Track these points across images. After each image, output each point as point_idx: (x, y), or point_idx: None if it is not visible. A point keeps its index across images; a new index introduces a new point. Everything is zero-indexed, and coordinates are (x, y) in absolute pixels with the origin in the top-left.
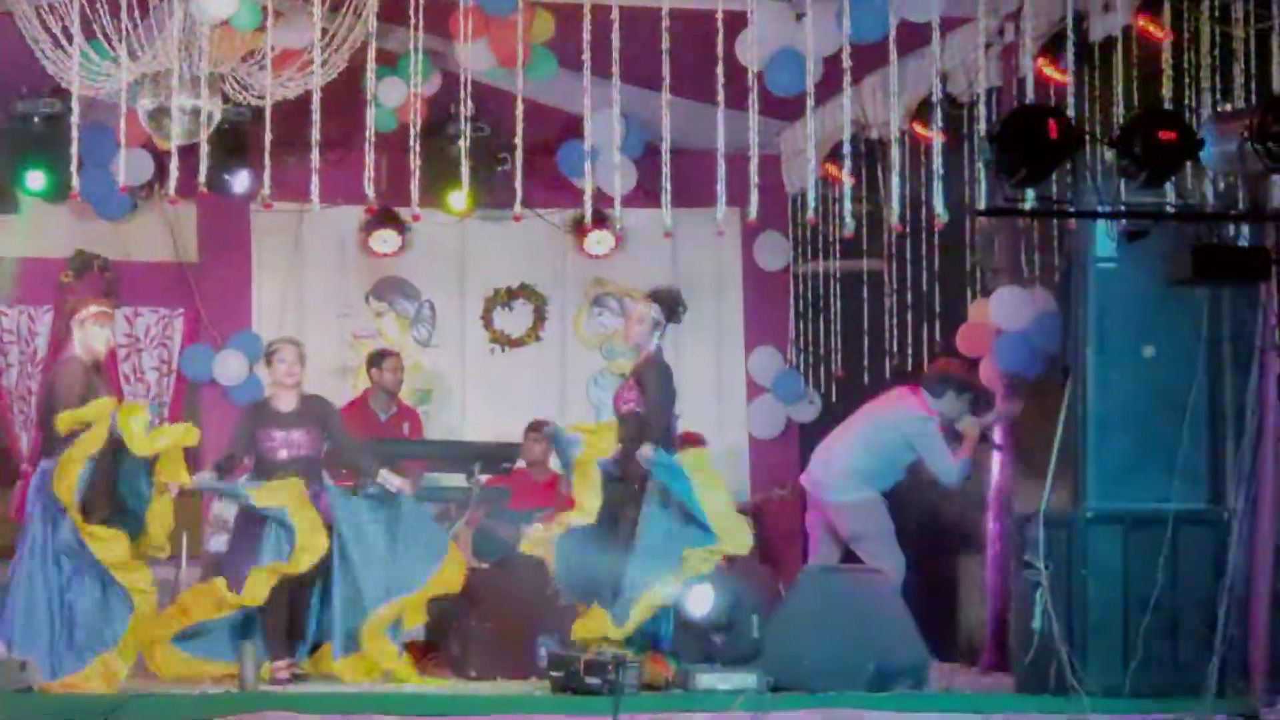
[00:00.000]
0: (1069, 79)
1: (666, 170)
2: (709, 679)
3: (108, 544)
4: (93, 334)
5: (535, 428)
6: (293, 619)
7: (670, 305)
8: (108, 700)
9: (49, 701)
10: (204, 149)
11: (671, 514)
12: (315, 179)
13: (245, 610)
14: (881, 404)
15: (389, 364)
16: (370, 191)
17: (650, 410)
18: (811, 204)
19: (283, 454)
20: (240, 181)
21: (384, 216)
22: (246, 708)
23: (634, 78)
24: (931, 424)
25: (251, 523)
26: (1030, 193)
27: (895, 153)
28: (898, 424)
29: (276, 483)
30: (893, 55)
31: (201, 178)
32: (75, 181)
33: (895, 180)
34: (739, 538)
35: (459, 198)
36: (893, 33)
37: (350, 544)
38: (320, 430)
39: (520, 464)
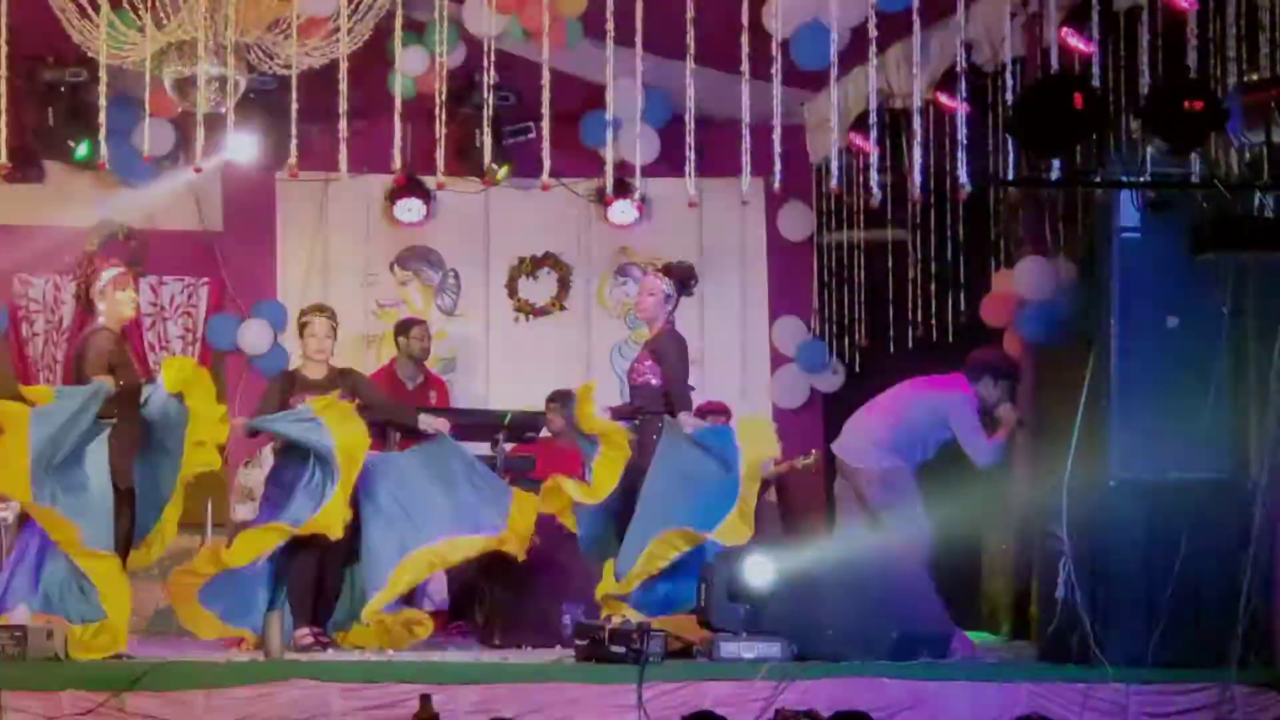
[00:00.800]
0: (1094, 48)
1: (691, 140)
2: (732, 648)
3: (61, 531)
4: (118, 300)
5: (555, 398)
6: (321, 587)
7: (682, 279)
8: (134, 667)
9: (76, 669)
10: (230, 118)
11: (674, 483)
12: (343, 148)
13: (275, 577)
14: (921, 381)
15: (416, 332)
16: (397, 161)
17: (667, 382)
18: (835, 174)
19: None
20: (265, 150)
21: (409, 185)
22: (272, 676)
23: (658, 47)
24: (969, 404)
25: (280, 488)
26: (1055, 163)
27: (919, 123)
28: (935, 401)
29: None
30: (916, 25)
31: (227, 147)
32: (103, 151)
33: (918, 151)
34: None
35: (483, 166)
36: (916, 2)
37: (386, 508)
38: (352, 397)
39: (545, 433)
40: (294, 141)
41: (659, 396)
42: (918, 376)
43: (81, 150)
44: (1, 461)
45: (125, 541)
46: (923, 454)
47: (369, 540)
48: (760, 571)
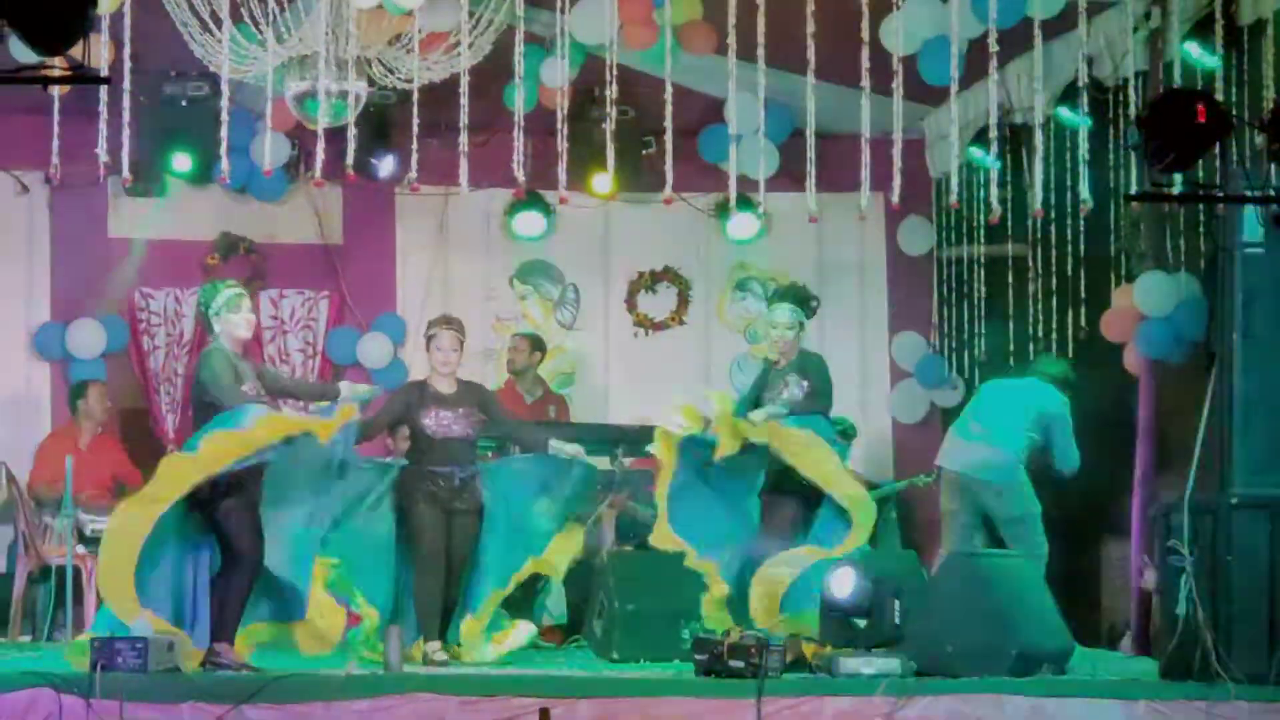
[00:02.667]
0: (1217, 62)
1: (811, 155)
2: (852, 663)
3: None
4: (232, 322)
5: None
6: (446, 601)
7: (805, 302)
8: (254, 680)
9: (196, 681)
10: (351, 132)
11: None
12: (463, 162)
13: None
14: (1015, 386)
15: (509, 343)
16: (519, 175)
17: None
18: (955, 189)
19: (441, 432)
20: (386, 164)
21: (530, 200)
22: (390, 689)
23: (778, 61)
24: (1068, 408)
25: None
26: (1178, 177)
27: (1040, 137)
28: (1036, 404)
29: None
30: (1038, 39)
31: (349, 160)
32: (224, 165)
33: (1040, 165)
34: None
35: (604, 181)
36: (1038, 17)
37: (501, 520)
38: (479, 412)
39: None
40: (415, 156)
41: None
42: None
43: (202, 164)
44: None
45: None
46: (1021, 460)
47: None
48: (843, 583)
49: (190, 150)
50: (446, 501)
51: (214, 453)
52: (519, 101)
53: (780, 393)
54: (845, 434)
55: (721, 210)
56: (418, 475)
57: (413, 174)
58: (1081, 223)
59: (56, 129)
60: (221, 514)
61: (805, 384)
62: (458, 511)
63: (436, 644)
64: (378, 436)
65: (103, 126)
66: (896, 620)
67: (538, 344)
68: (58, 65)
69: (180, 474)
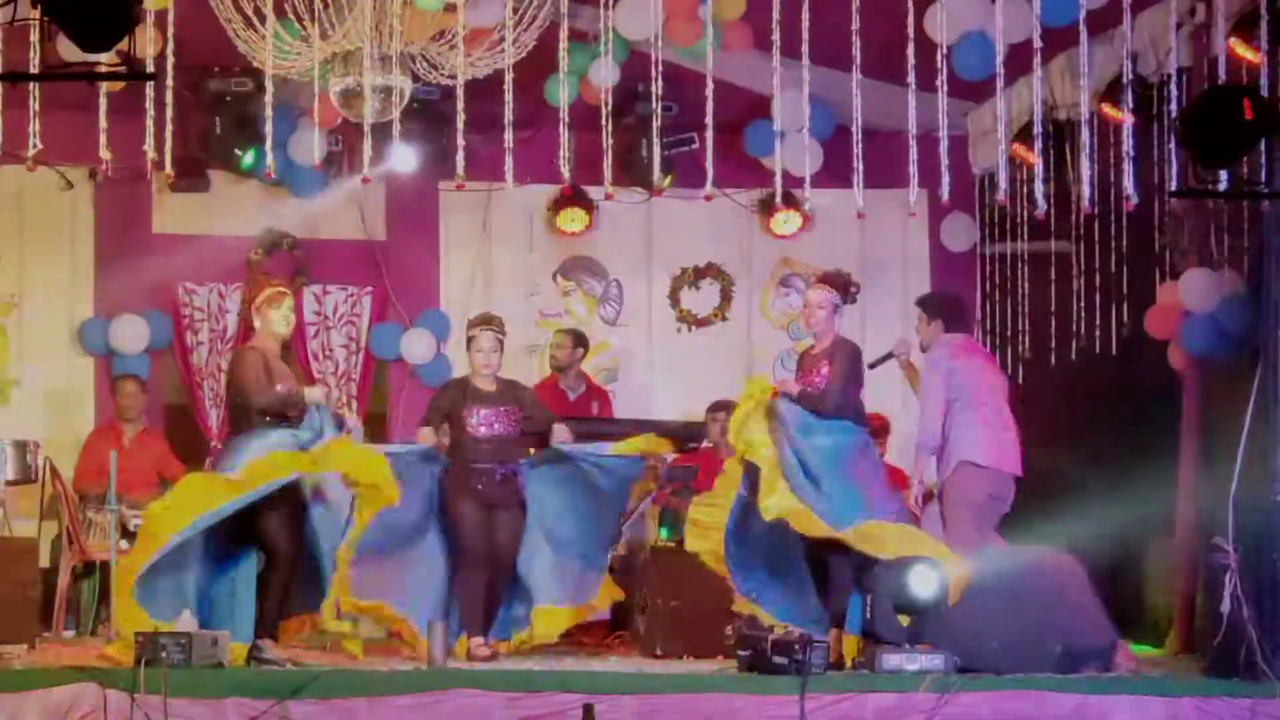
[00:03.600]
0: (1262, 58)
1: (858, 151)
2: (895, 660)
3: None
4: (271, 319)
5: (716, 408)
6: (490, 597)
7: (844, 287)
8: (298, 675)
9: (240, 676)
10: (397, 128)
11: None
12: (509, 158)
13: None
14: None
15: (553, 340)
16: (565, 171)
17: (842, 389)
18: (1002, 186)
19: (483, 430)
20: (429, 160)
21: (573, 196)
22: (435, 685)
23: (821, 58)
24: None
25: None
26: (1222, 173)
27: (1085, 134)
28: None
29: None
30: (1083, 36)
31: (393, 157)
32: (269, 161)
33: (1085, 162)
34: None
35: (647, 176)
36: (1083, 13)
37: (544, 516)
38: (519, 410)
39: (706, 443)
40: (461, 152)
41: (849, 406)
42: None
43: (248, 159)
44: None
45: None
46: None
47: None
48: (926, 582)
49: (233, 146)
50: (488, 499)
51: (198, 497)
52: (563, 98)
53: (812, 378)
54: (876, 432)
55: (765, 206)
56: (460, 473)
57: (460, 171)
58: (1125, 219)
59: (104, 124)
60: (260, 514)
61: (827, 370)
62: (500, 508)
63: (480, 639)
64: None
65: (149, 123)
66: (941, 616)
67: (580, 340)
68: (104, 62)
69: (169, 520)
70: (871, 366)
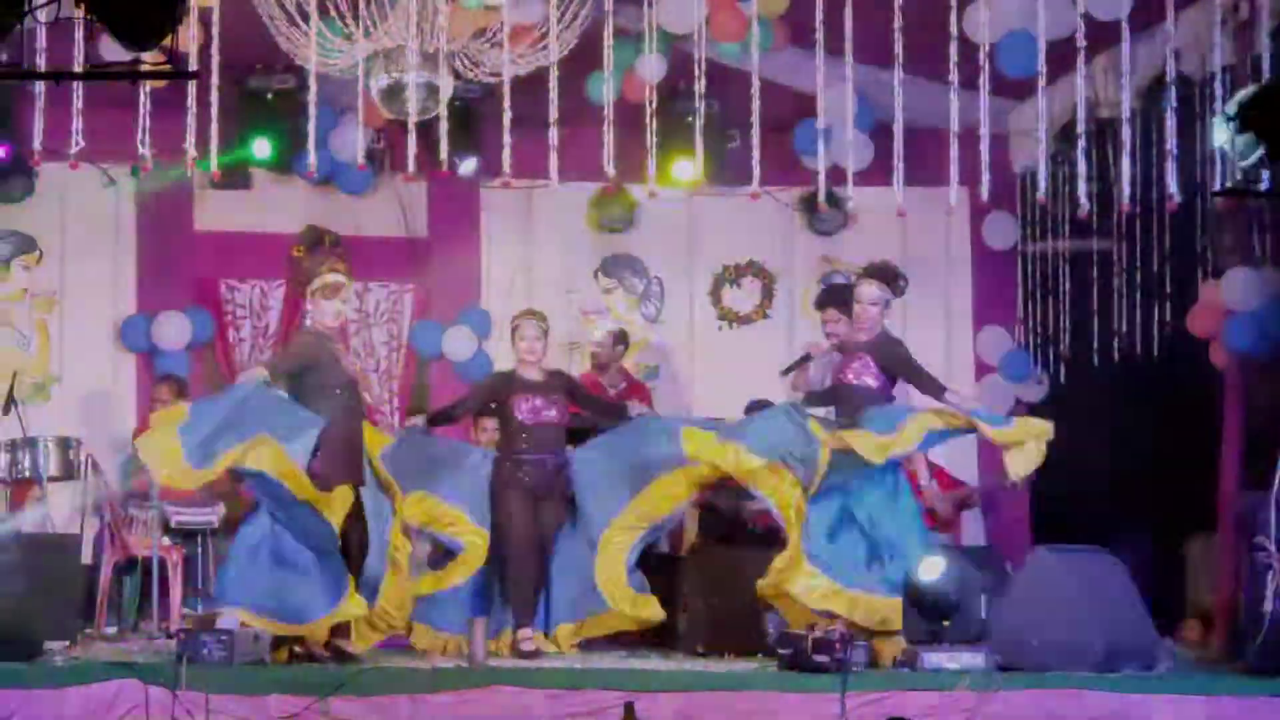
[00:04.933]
0: None
1: (899, 149)
2: (936, 658)
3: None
4: (322, 308)
5: (754, 408)
6: (534, 590)
7: (893, 280)
8: (339, 673)
9: (282, 673)
10: (442, 126)
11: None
12: (554, 156)
13: (481, 583)
14: None
15: (596, 338)
16: (610, 169)
17: (912, 374)
18: (1043, 184)
19: (530, 418)
20: (470, 158)
21: (616, 193)
22: (476, 682)
23: (862, 55)
24: None
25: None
26: (1264, 172)
27: (1126, 132)
28: None
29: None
30: (1125, 33)
31: (443, 155)
32: (311, 159)
33: (1127, 161)
34: None
35: (687, 168)
36: (1126, 10)
37: (590, 502)
38: (566, 398)
39: None
40: (506, 150)
41: (877, 398)
42: None
43: (265, 152)
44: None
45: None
46: None
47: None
48: (931, 569)
49: (275, 143)
50: (536, 489)
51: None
52: (608, 95)
53: (847, 373)
54: None
55: (806, 204)
56: (507, 464)
57: (506, 169)
58: (1167, 218)
59: (147, 122)
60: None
61: (873, 367)
62: (547, 499)
63: (528, 630)
64: (462, 422)
65: (191, 121)
66: (982, 615)
67: (621, 337)
68: (147, 60)
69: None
70: (784, 373)
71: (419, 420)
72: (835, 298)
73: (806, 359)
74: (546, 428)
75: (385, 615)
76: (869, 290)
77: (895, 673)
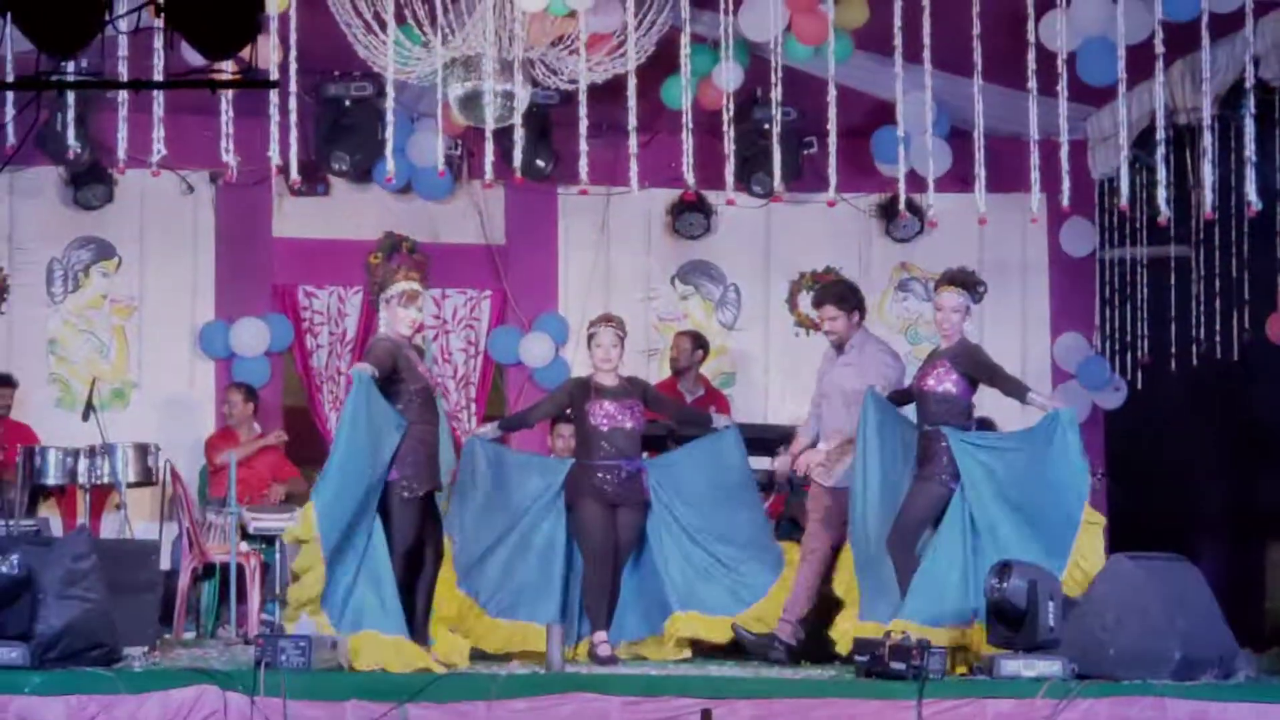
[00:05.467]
0: None
1: (980, 155)
2: (1013, 666)
3: None
4: (397, 315)
5: None
6: (611, 597)
7: (973, 287)
8: (415, 679)
9: (359, 679)
10: (519, 133)
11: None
12: (633, 164)
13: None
14: None
15: (672, 341)
16: (689, 177)
17: (995, 379)
18: (1124, 191)
19: (605, 424)
20: (548, 165)
21: (693, 200)
22: (553, 688)
23: (939, 62)
24: None
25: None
26: None
27: (1206, 138)
28: None
29: None
30: (1204, 40)
31: (516, 162)
32: (390, 166)
33: (1207, 167)
34: None
35: (766, 181)
36: (1205, 17)
37: (668, 517)
38: (642, 405)
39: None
40: (583, 157)
41: (958, 406)
42: None
43: (341, 165)
44: None
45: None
46: None
47: (665, 555)
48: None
49: (353, 150)
50: (612, 496)
51: None
52: (685, 103)
53: (927, 379)
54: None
55: (884, 211)
56: (584, 471)
57: (583, 176)
58: (1246, 224)
59: (229, 130)
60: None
61: (953, 375)
62: (623, 506)
63: (603, 634)
64: (535, 427)
65: (273, 129)
66: (1052, 624)
67: (700, 342)
68: (226, 67)
69: None
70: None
71: (489, 428)
72: (832, 294)
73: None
74: (621, 434)
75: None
76: (950, 297)
77: (972, 680)
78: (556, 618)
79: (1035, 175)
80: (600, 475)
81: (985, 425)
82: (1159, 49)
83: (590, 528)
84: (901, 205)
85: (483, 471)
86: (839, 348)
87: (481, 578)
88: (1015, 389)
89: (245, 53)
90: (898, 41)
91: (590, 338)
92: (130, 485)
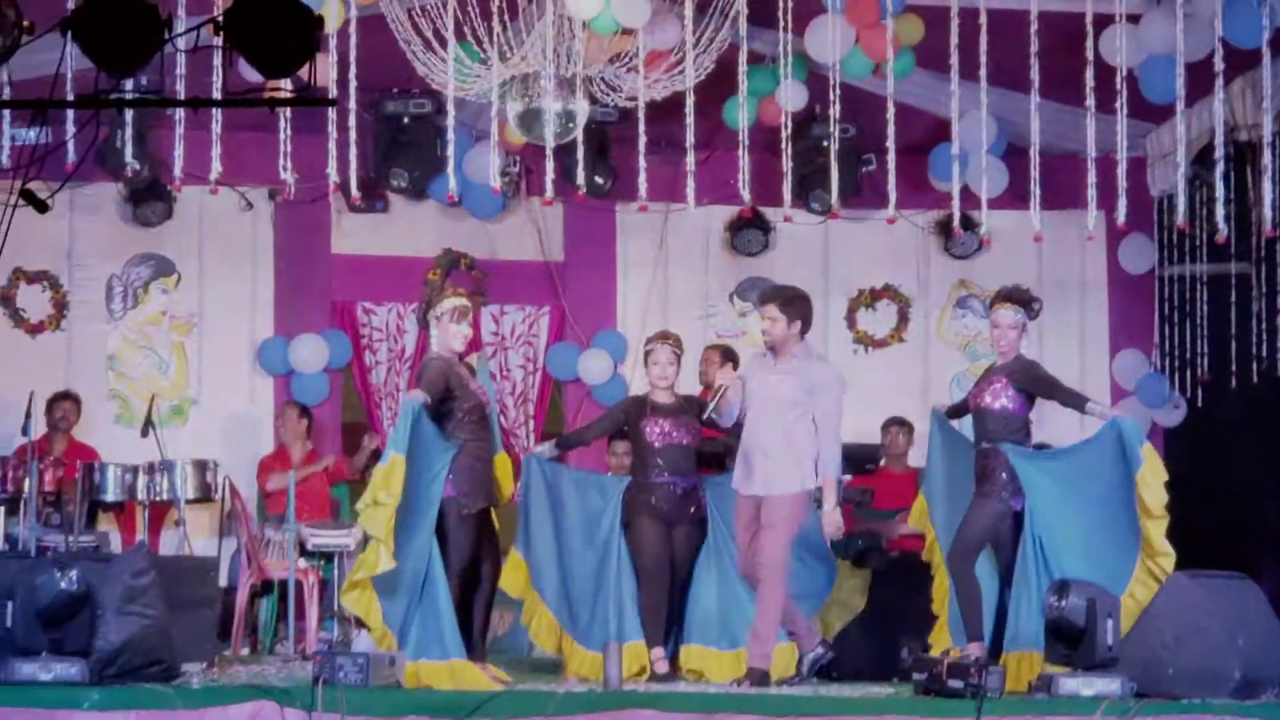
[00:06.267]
0: None
1: (1036, 174)
2: (1072, 684)
3: None
4: (450, 331)
5: (896, 422)
6: (670, 612)
7: (1028, 304)
8: (473, 696)
9: (417, 697)
10: (580, 150)
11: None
12: (691, 181)
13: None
14: None
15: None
16: (746, 195)
17: (1056, 392)
18: (1183, 208)
19: (659, 441)
20: (607, 181)
21: (751, 217)
22: (610, 705)
23: (996, 79)
24: None
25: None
26: None
27: (1267, 155)
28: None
29: None
30: (1265, 57)
31: (578, 179)
32: (451, 183)
33: (1267, 184)
34: None
35: (825, 198)
36: (1266, 34)
37: (712, 540)
38: (698, 422)
39: (882, 462)
40: (642, 174)
41: (1016, 422)
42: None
43: (400, 182)
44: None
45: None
46: None
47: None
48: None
49: (411, 167)
50: (668, 513)
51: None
52: (742, 121)
53: (984, 396)
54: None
55: (942, 228)
56: (640, 489)
57: (642, 193)
58: None
59: (288, 148)
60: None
61: (1010, 390)
62: (680, 524)
63: (660, 650)
64: (592, 444)
65: (332, 147)
66: (1110, 642)
67: (730, 355)
68: (285, 85)
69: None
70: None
71: (546, 447)
72: (779, 296)
73: (722, 391)
74: (676, 451)
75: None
76: (1006, 314)
77: (1030, 699)
78: (614, 636)
79: (1092, 193)
80: (656, 493)
81: (1042, 450)
82: (1219, 66)
83: (645, 546)
84: (957, 223)
85: (539, 490)
86: (773, 351)
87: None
88: (1074, 400)
89: (304, 70)
90: (954, 59)
91: (647, 355)
92: (189, 502)
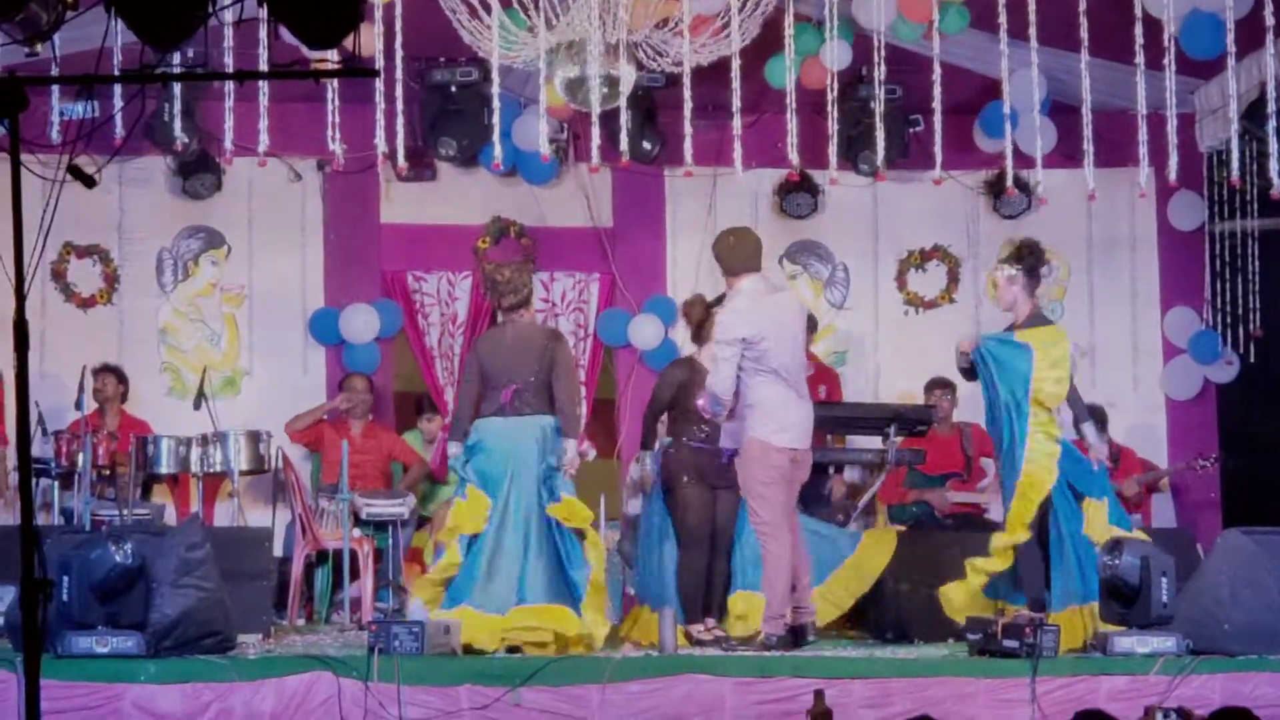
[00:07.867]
0: None
1: (1087, 132)
2: (1126, 642)
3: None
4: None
5: (939, 384)
6: (710, 583)
7: (1020, 258)
8: (529, 663)
9: (473, 664)
10: (624, 116)
11: None
12: (738, 145)
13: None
14: None
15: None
16: (794, 157)
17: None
18: (1234, 164)
19: (705, 412)
20: (654, 147)
21: (800, 180)
22: (665, 670)
23: (1044, 37)
24: None
25: None
26: None
27: None
28: None
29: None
30: None
31: (623, 145)
32: (497, 151)
33: None
34: None
35: (872, 160)
36: None
37: None
38: None
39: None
40: (688, 139)
41: None
42: None
43: (448, 151)
44: None
45: None
46: None
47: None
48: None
49: (459, 136)
50: (713, 478)
51: None
52: (790, 84)
53: None
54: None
55: (992, 188)
56: (683, 453)
57: (688, 159)
58: None
59: (336, 118)
60: None
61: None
62: (725, 489)
63: (699, 625)
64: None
65: (380, 117)
66: (1165, 600)
67: (809, 322)
68: (330, 56)
69: None
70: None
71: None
72: None
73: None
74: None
75: None
76: (999, 271)
77: (1085, 658)
78: (671, 602)
79: (1143, 150)
80: (697, 456)
81: (1095, 412)
82: (1269, 20)
83: (689, 509)
84: (1009, 181)
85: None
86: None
87: None
88: (1077, 408)
89: (349, 41)
90: (1002, 18)
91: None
92: (243, 473)
